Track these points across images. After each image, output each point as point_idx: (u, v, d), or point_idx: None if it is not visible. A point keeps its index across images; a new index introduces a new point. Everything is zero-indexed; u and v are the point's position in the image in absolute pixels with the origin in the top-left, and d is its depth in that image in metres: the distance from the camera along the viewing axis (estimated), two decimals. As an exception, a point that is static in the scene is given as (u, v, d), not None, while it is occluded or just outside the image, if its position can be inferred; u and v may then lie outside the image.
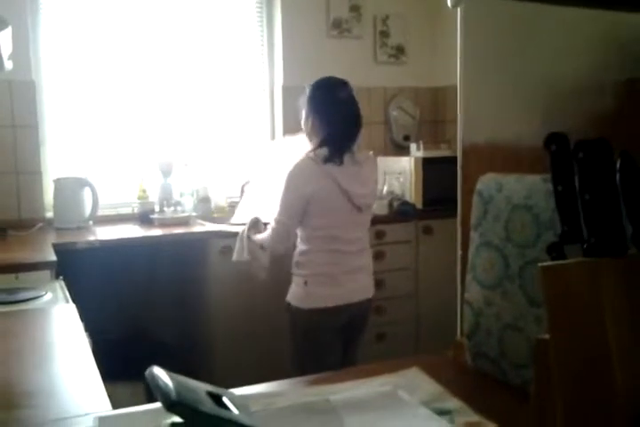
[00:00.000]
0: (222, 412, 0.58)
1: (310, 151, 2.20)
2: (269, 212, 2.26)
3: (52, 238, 2.76)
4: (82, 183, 3.02)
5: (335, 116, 2.22)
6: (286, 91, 3.60)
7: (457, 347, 1.23)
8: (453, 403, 0.93)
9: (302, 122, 2.29)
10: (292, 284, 2.27)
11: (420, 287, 3.37)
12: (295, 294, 2.25)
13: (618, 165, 0.82)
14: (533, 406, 0.85)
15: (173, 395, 0.54)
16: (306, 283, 2.23)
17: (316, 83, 2.25)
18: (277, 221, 2.17)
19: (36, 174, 3.10)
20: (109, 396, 1.08)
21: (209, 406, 0.57)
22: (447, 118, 3.89)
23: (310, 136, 2.28)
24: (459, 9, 1.22)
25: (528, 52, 1.15)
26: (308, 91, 2.26)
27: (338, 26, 3.66)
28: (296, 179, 2.17)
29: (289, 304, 2.26)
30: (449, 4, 1.19)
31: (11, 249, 2.55)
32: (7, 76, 2.70)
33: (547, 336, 0.83)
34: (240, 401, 0.64)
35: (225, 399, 0.62)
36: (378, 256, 3.25)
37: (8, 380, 1.19)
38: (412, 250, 3.35)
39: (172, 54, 3.40)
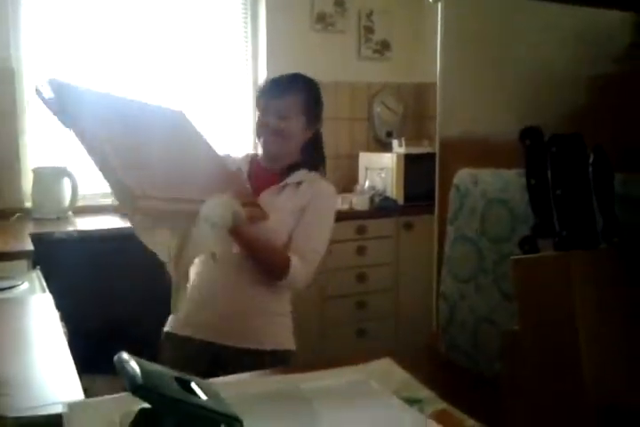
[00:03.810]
0: (190, 397, 0.58)
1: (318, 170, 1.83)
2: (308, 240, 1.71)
3: (29, 228, 2.74)
4: (61, 173, 2.99)
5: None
6: (270, 84, 3.59)
7: (432, 339, 1.25)
8: (424, 392, 0.94)
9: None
10: (273, 326, 1.74)
11: (401, 282, 3.39)
12: (289, 337, 1.77)
13: (590, 160, 0.83)
14: (502, 397, 0.87)
15: (139, 379, 0.54)
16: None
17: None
18: (320, 255, 1.71)
19: (14, 163, 3.06)
20: (88, 389, 1.07)
21: (176, 391, 0.57)
22: (431, 114, 3.90)
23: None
24: (439, 4, 1.23)
25: (505, 47, 1.16)
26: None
27: (322, 20, 3.66)
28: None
29: (284, 353, 1.72)
30: (429, -2, 1.20)
31: (-12, 238, 2.52)
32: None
33: (516, 328, 0.84)
34: (210, 388, 0.64)
35: (193, 385, 0.62)
36: (359, 251, 3.26)
37: (-19, 368, 1.18)
38: (392, 245, 3.37)
39: (155, 47, 3.37)
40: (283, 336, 1.74)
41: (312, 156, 1.81)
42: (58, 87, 1.31)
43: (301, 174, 1.76)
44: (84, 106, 1.37)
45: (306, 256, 1.65)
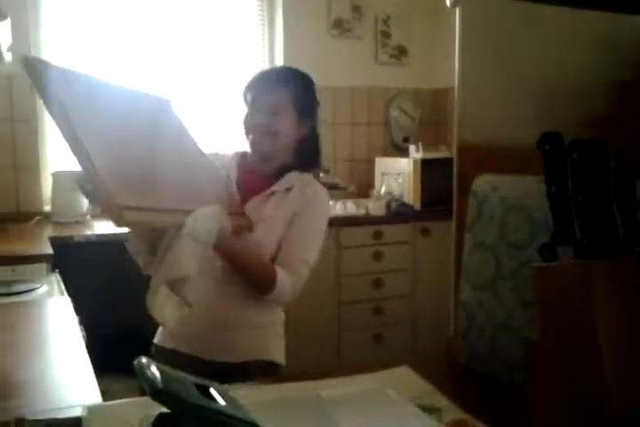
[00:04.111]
0: (209, 403, 0.58)
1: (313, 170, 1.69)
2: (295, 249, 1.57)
3: (49, 232, 2.76)
4: (80, 178, 3.02)
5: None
6: (287, 89, 3.60)
7: (450, 347, 1.24)
8: (442, 401, 0.93)
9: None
10: (260, 340, 1.60)
11: (418, 288, 3.37)
12: (278, 348, 1.64)
13: (612, 167, 0.82)
14: (525, 406, 0.86)
15: (159, 383, 0.54)
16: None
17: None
18: (309, 266, 1.57)
19: (34, 168, 3.10)
20: (105, 391, 1.08)
21: (196, 396, 0.57)
22: (448, 120, 3.89)
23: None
24: (457, 9, 1.22)
25: (524, 53, 1.16)
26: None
27: (339, 26, 3.66)
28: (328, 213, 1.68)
29: (270, 364, 1.59)
30: (447, 3, 1.20)
31: (8, 242, 2.55)
32: (6, 68, 2.70)
33: (536, 337, 0.83)
34: (228, 394, 0.64)
35: (212, 391, 0.62)
36: (375, 257, 3.25)
37: (3, 370, 1.19)
38: (409, 251, 3.35)
39: (173, 53, 3.40)
40: (271, 350, 1.61)
41: (306, 156, 1.66)
42: (39, 66, 1.15)
43: (292, 178, 1.61)
44: (68, 91, 1.21)
45: (294, 269, 1.52)
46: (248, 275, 1.50)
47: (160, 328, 1.66)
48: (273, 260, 1.54)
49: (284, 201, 1.57)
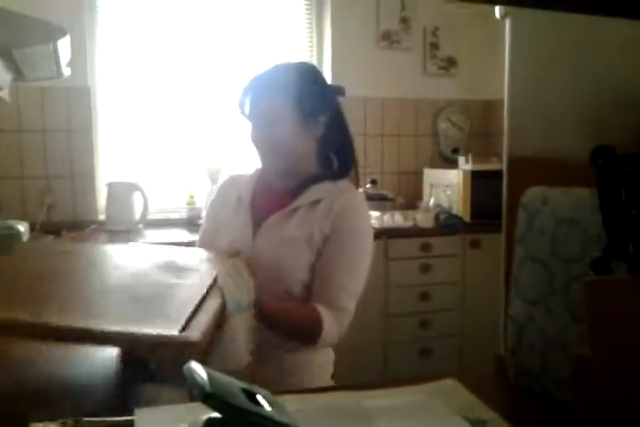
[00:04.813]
0: (256, 408, 0.59)
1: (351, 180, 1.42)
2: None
3: (103, 240, 2.84)
4: (133, 188, 3.11)
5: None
6: (336, 101, 3.62)
7: (499, 362, 1.22)
8: (488, 414, 0.92)
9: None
10: (309, 375, 1.34)
11: (466, 302, 3.33)
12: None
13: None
14: (575, 424, 0.84)
15: (208, 387, 0.55)
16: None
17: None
18: (356, 297, 1.33)
19: (89, 178, 3.20)
20: (155, 399, 1.10)
21: (243, 401, 0.59)
22: (498, 131, 3.84)
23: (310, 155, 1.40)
24: (507, 20, 1.22)
25: (576, 65, 1.14)
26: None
27: (387, 37, 3.67)
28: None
29: None
30: (497, 14, 1.19)
31: (64, 249, 2.63)
32: (65, 82, 2.80)
33: (588, 353, 0.82)
34: (275, 401, 0.65)
35: (259, 397, 0.63)
36: (423, 269, 3.23)
37: (59, 372, 1.23)
38: (458, 264, 3.32)
39: (225, 65, 3.47)
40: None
41: (332, 159, 1.40)
42: None
43: (320, 189, 1.34)
44: None
45: (338, 305, 1.27)
46: (292, 332, 1.25)
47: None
48: (309, 289, 1.30)
49: (311, 217, 1.31)
